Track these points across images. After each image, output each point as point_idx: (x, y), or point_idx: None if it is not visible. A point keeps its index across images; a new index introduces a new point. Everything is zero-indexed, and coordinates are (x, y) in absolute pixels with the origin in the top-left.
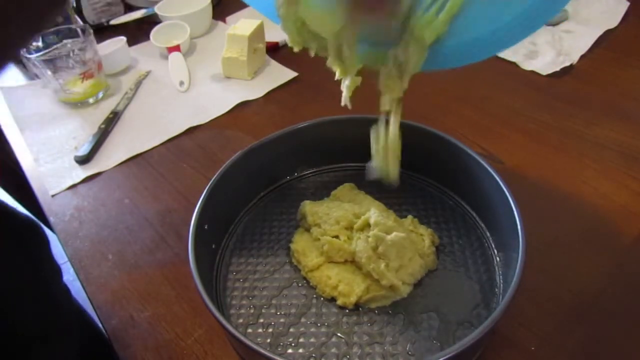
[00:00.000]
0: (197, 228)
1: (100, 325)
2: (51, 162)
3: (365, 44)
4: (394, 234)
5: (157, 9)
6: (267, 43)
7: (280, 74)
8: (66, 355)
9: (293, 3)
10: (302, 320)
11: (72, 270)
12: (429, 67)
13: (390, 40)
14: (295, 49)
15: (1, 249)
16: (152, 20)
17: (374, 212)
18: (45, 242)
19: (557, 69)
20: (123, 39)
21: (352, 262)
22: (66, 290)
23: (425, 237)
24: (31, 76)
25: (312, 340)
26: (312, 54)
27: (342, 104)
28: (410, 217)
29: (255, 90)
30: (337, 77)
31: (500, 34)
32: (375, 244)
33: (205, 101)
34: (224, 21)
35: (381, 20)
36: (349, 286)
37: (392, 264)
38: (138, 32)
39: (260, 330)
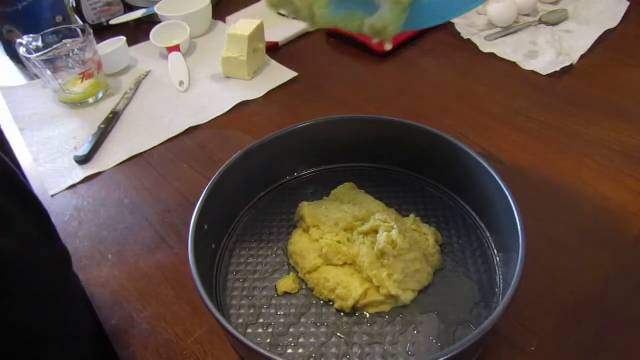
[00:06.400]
0: (197, 228)
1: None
2: (51, 162)
3: (341, 7)
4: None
5: (157, 9)
6: (267, 43)
7: (280, 74)
8: (75, 343)
9: None
10: (302, 320)
11: None
12: (409, 28)
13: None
14: (271, 10)
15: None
16: (152, 20)
17: (384, 226)
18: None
19: (557, 69)
20: (123, 38)
21: (351, 264)
22: (76, 276)
23: (428, 236)
24: (31, 76)
25: (312, 340)
26: (289, 14)
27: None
28: (412, 216)
29: (255, 90)
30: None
31: None
32: (382, 254)
33: (205, 101)
34: (224, 21)
35: None
36: (346, 290)
37: (396, 277)
38: (138, 32)
39: (260, 330)
